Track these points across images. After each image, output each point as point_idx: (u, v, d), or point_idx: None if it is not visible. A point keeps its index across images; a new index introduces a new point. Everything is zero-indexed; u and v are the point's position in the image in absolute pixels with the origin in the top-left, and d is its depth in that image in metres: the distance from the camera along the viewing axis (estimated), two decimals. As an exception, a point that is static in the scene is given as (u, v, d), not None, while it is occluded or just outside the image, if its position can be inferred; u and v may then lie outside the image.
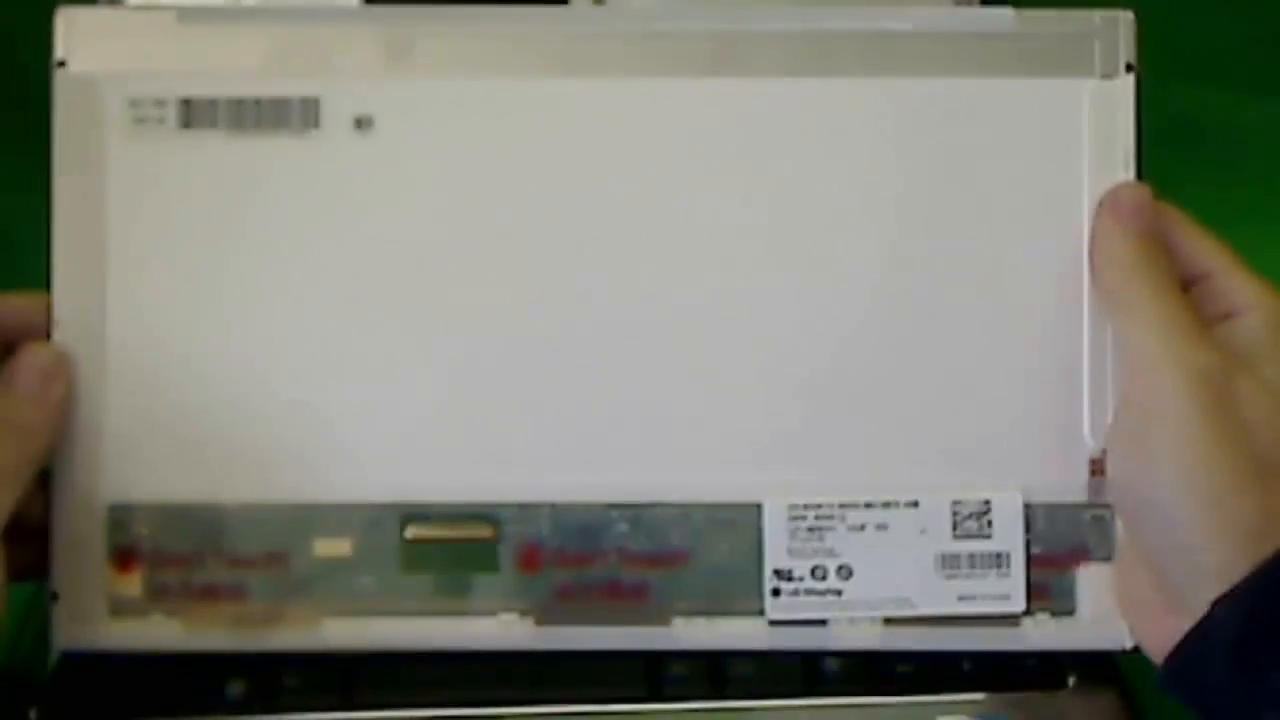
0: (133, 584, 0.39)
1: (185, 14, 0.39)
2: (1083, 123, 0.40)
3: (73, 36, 0.39)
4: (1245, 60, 0.58)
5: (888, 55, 0.40)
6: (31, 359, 0.38)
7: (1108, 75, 0.40)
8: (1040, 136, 0.40)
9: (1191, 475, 0.36)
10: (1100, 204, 0.39)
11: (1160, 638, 0.37)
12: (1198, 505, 0.36)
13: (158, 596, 0.39)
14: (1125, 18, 0.40)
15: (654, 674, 0.40)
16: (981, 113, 0.40)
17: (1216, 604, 0.35)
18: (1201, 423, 0.36)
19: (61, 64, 0.39)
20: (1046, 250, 0.40)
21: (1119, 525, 0.39)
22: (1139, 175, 0.40)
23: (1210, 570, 0.35)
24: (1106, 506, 0.39)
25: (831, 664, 0.40)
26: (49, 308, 0.39)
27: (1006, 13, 0.40)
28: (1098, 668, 0.40)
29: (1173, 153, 0.54)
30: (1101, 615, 0.40)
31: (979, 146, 0.40)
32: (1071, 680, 0.40)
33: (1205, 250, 0.39)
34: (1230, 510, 0.35)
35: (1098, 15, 0.40)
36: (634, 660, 0.40)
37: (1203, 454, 0.36)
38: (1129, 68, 0.40)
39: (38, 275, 0.39)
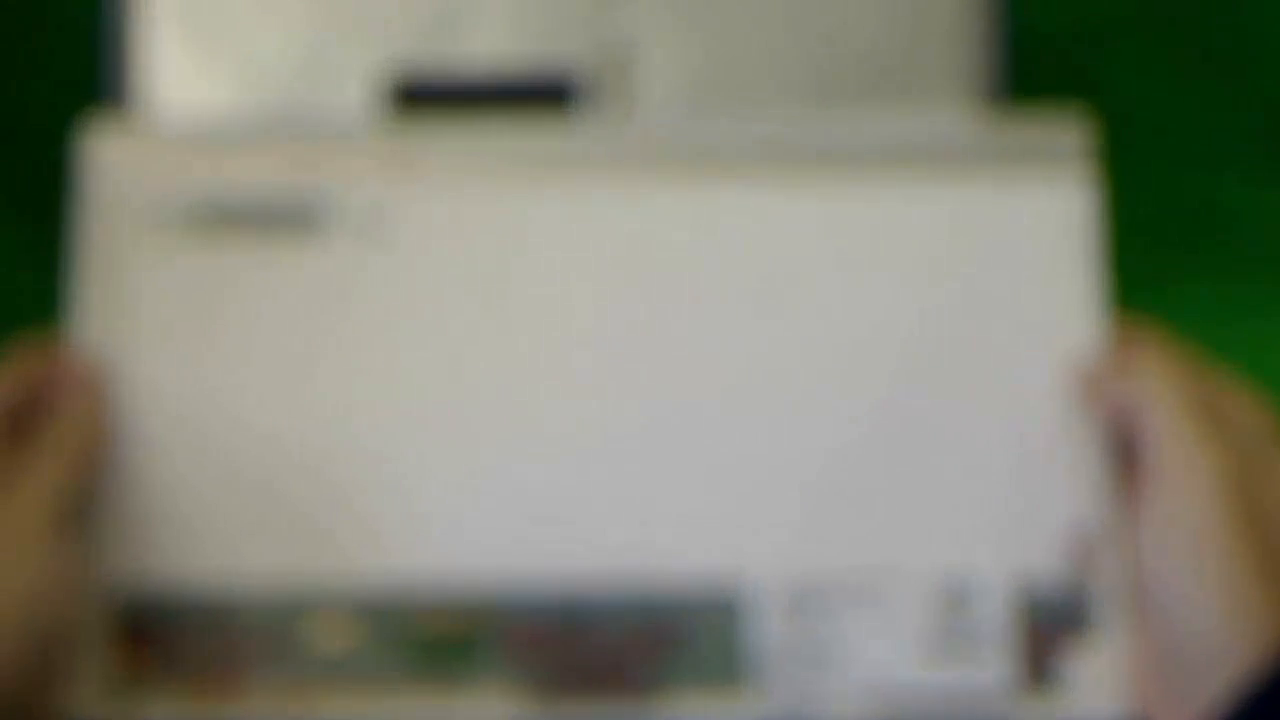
0: (136, 662, 0.40)
1: (202, 129, 0.43)
2: (1047, 221, 0.42)
3: (96, 149, 0.42)
4: (1252, 151, 0.60)
5: (857, 165, 0.42)
6: (67, 372, 0.40)
7: (1070, 177, 0.42)
8: (1008, 235, 0.42)
9: (1216, 573, 0.37)
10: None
11: None
12: (1220, 602, 0.36)
13: (160, 675, 0.40)
14: (1085, 123, 0.42)
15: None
16: (952, 214, 0.42)
17: (1226, 703, 0.35)
18: (1228, 522, 0.37)
19: (85, 173, 0.42)
20: (1019, 341, 0.41)
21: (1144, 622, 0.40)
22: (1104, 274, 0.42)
23: (1223, 665, 0.36)
24: (1092, 585, 0.40)
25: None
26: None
27: (969, 120, 0.43)
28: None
29: (1181, 244, 0.57)
30: (1092, 693, 0.40)
31: (950, 245, 0.42)
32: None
33: None
34: (1250, 608, 0.36)
35: (1059, 121, 0.42)
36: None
37: (1228, 552, 0.37)
38: (1090, 170, 0.42)
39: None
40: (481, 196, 0.42)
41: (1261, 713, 0.35)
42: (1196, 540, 0.37)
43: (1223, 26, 0.60)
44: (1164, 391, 0.39)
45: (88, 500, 0.40)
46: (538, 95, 0.46)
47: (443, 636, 0.40)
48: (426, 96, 0.46)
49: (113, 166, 0.42)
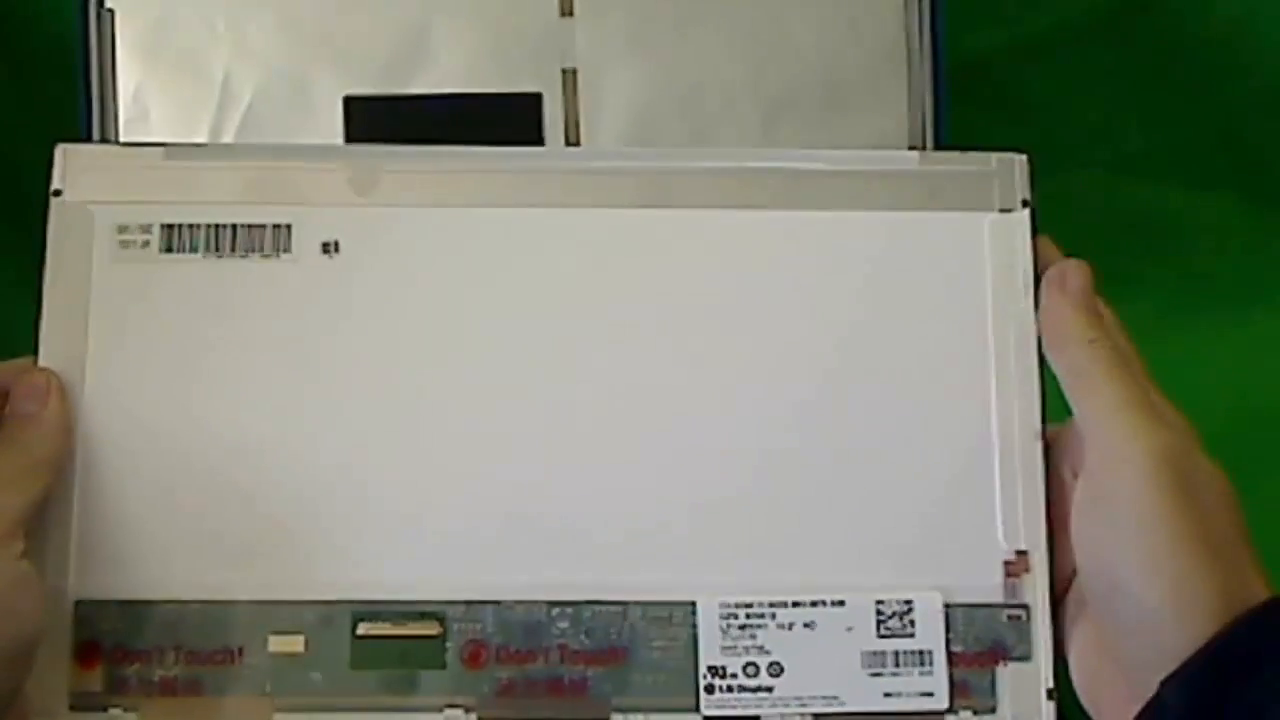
0: (94, 679, 0.41)
1: (171, 151, 0.43)
2: (985, 252, 0.43)
3: (69, 169, 0.43)
4: (1190, 158, 0.61)
5: (807, 191, 0.44)
6: (24, 383, 0.41)
7: (1006, 209, 0.44)
8: (946, 264, 0.43)
9: (1158, 558, 0.37)
10: (1046, 282, 0.42)
11: None
12: (1165, 587, 0.36)
13: (117, 691, 0.41)
14: (1020, 160, 0.44)
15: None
16: (892, 243, 0.43)
17: (1164, 685, 0.36)
18: (1166, 504, 0.37)
19: (57, 193, 0.43)
20: (955, 368, 0.43)
21: (1080, 618, 0.41)
22: (1036, 300, 0.43)
23: (1171, 651, 0.36)
24: (1023, 607, 0.42)
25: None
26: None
27: (910, 155, 0.44)
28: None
29: (1123, 247, 0.58)
30: (1022, 713, 0.41)
31: (891, 273, 0.43)
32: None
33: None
34: (1195, 591, 0.36)
35: (994, 157, 0.44)
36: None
37: (1168, 536, 0.37)
38: (1024, 203, 0.44)
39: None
40: (444, 217, 0.43)
41: (1191, 704, 0.35)
42: (1138, 518, 0.37)
43: (1160, 39, 0.61)
44: (1100, 367, 0.39)
45: (48, 510, 0.41)
46: (496, 121, 0.48)
47: (402, 649, 0.41)
48: (389, 123, 0.48)
49: (80, 184, 0.43)
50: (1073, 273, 0.42)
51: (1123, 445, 0.38)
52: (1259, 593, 0.37)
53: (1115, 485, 0.38)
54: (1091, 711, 0.40)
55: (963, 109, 0.49)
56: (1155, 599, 0.37)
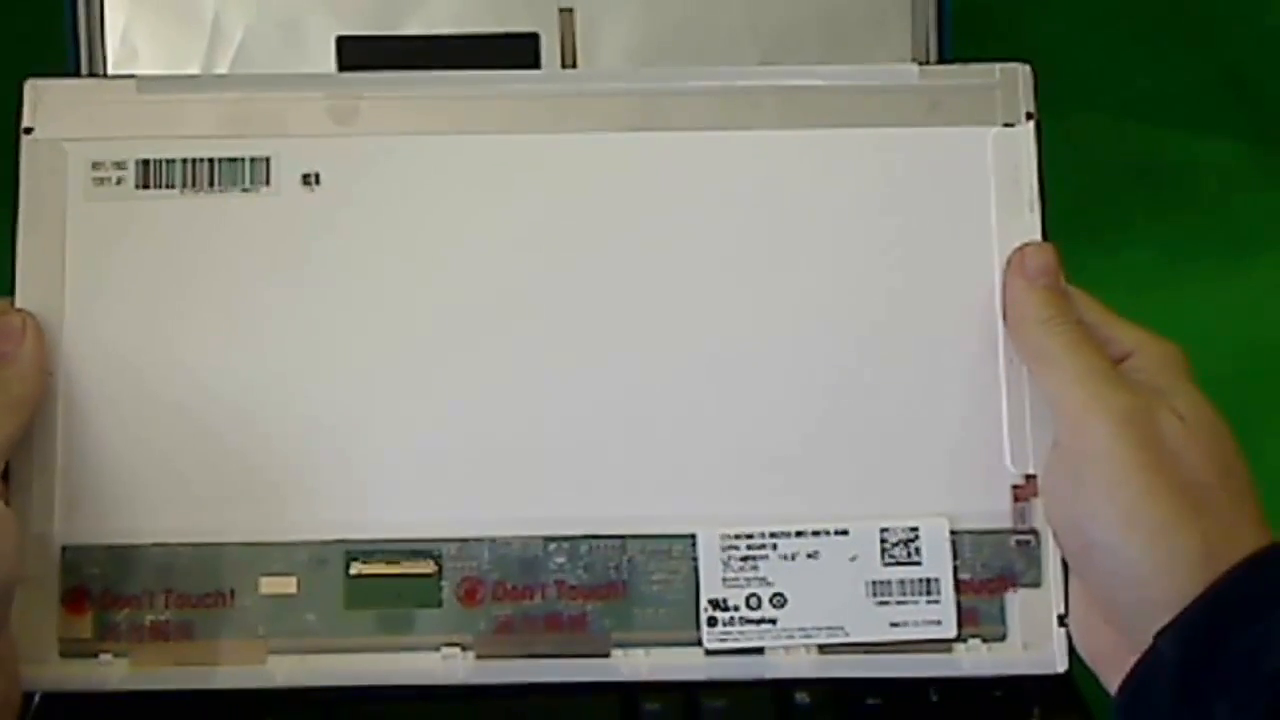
0: (83, 625, 0.40)
1: (144, 83, 0.42)
2: (988, 167, 0.42)
3: (40, 105, 0.41)
4: (1196, 101, 0.61)
5: (808, 109, 0.42)
6: (8, 317, 0.40)
7: (1010, 123, 0.42)
8: (949, 181, 0.42)
9: (1131, 512, 0.37)
10: (1008, 264, 0.41)
11: (1122, 676, 0.37)
12: (1142, 540, 0.37)
13: (107, 636, 0.40)
14: (1024, 70, 0.42)
15: (630, 711, 0.41)
16: (894, 159, 0.42)
17: (1159, 636, 0.36)
18: (1133, 461, 0.37)
19: (28, 130, 0.41)
20: (961, 288, 0.42)
21: (1071, 575, 0.40)
22: (1044, 216, 0.42)
23: (1159, 603, 0.36)
24: (1032, 532, 0.41)
25: (802, 697, 0.41)
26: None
27: (911, 69, 0.43)
28: (1062, 698, 0.41)
29: (1129, 190, 0.58)
30: (1032, 640, 0.40)
31: (893, 191, 0.42)
32: (1036, 711, 0.41)
33: (1081, 304, 0.41)
34: (1173, 542, 0.36)
35: (998, 68, 0.42)
36: (610, 697, 0.41)
37: (1139, 490, 0.37)
38: (1029, 115, 0.42)
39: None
40: (428, 145, 0.42)
41: (1187, 655, 0.35)
42: (1108, 476, 0.37)
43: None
44: (1057, 342, 0.39)
45: (32, 456, 0.40)
46: (492, 62, 0.46)
47: (397, 588, 0.40)
48: (382, 63, 0.46)
49: (52, 121, 0.41)
50: (1032, 254, 0.41)
51: (1087, 410, 0.38)
52: (1248, 540, 0.37)
53: (1083, 447, 0.38)
54: (1091, 664, 0.40)
55: (965, 50, 0.48)
56: (1134, 552, 0.37)
